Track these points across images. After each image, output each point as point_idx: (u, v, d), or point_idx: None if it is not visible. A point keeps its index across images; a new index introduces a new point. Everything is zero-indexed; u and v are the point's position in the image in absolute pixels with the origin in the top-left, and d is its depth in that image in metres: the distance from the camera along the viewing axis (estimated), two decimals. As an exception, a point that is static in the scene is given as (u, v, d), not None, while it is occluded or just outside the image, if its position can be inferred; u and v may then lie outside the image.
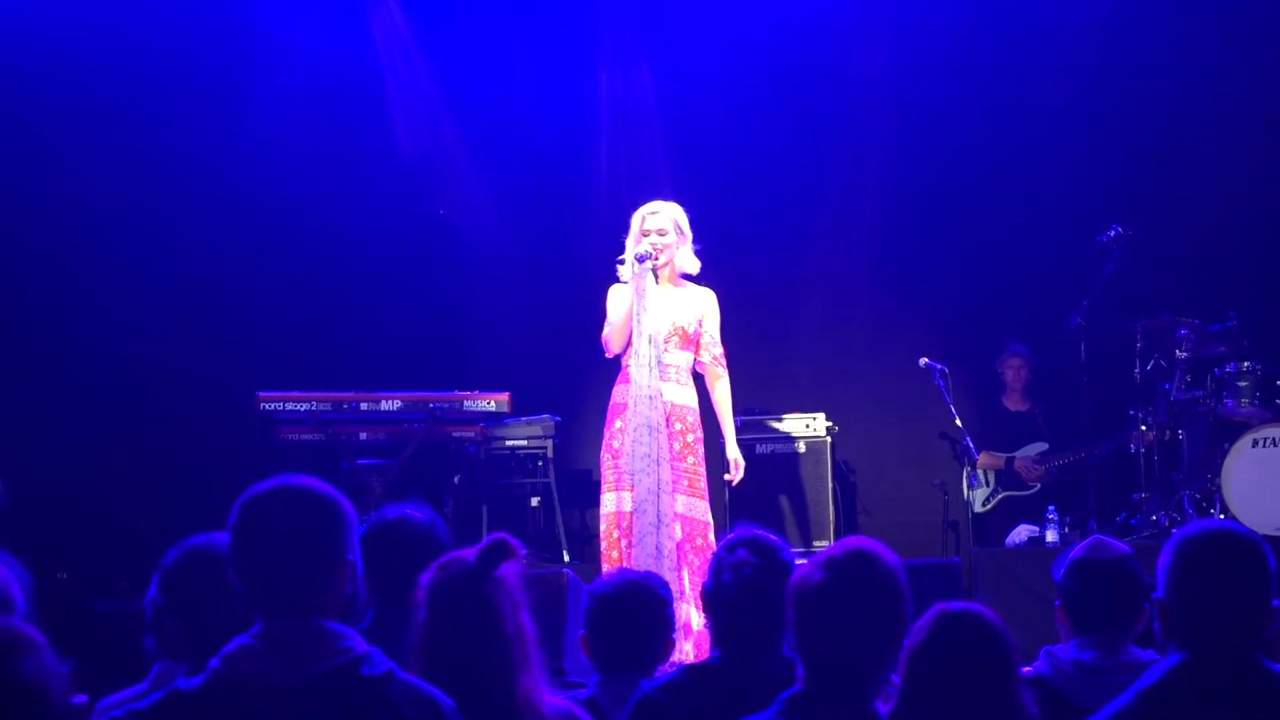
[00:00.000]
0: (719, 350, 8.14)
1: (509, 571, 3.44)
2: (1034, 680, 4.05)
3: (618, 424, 7.95)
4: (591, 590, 4.42)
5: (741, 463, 8.23)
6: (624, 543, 7.75)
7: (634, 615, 4.30)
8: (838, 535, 9.66)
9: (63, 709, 2.72)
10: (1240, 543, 3.22)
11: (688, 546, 7.75)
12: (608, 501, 7.91)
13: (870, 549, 3.31)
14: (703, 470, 7.97)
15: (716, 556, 3.98)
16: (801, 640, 3.29)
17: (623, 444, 7.85)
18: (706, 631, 7.21)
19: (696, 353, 8.08)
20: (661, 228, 7.98)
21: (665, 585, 4.48)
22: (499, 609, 3.39)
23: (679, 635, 6.82)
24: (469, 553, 3.47)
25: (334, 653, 2.97)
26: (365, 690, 2.94)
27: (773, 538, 3.96)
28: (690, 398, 7.99)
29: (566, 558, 9.59)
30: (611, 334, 7.99)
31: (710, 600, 3.93)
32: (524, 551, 3.55)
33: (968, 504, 10.21)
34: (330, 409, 9.12)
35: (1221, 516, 8.86)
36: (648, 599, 4.34)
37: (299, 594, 3.02)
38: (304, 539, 3.04)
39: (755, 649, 3.82)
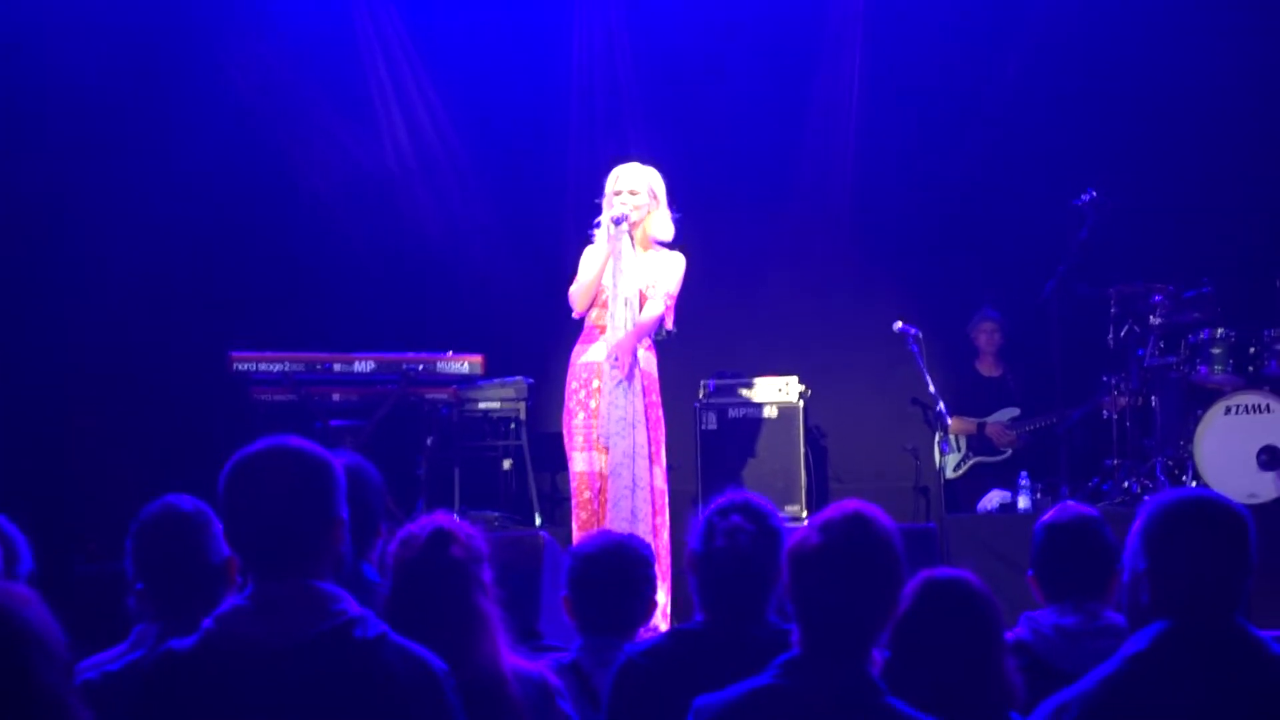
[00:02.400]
0: (662, 307, 7.96)
1: (465, 546, 3.50)
2: (1015, 646, 4.05)
3: (574, 384, 7.95)
4: (575, 551, 4.43)
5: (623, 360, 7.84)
6: (595, 504, 7.75)
7: (618, 576, 4.31)
8: (809, 501, 9.64)
9: (64, 666, 2.74)
10: (1221, 509, 3.21)
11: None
12: (577, 461, 7.91)
13: (869, 513, 3.30)
14: (657, 435, 7.93)
15: (708, 520, 3.92)
16: (798, 604, 3.27)
17: (582, 404, 7.87)
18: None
19: None
20: (633, 188, 7.94)
21: (647, 546, 4.52)
22: (451, 588, 3.54)
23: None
24: (423, 527, 3.65)
25: (327, 615, 2.96)
26: (358, 653, 2.94)
27: (764, 502, 3.93)
28: (649, 363, 7.96)
29: (539, 520, 9.58)
30: (578, 292, 7.96)
31: (700, 565, 3.89)
32: (464, 539, 3.60)
33: (939, 469, 10.22)
34: (303, 370, 9.08)
35: (1194, 484, 8.89)
36: (631, 559, 4.36)
37: (294, 555, 3.02)
38: (298, 500, 3.03)
39: (743, 614, 3.80)
